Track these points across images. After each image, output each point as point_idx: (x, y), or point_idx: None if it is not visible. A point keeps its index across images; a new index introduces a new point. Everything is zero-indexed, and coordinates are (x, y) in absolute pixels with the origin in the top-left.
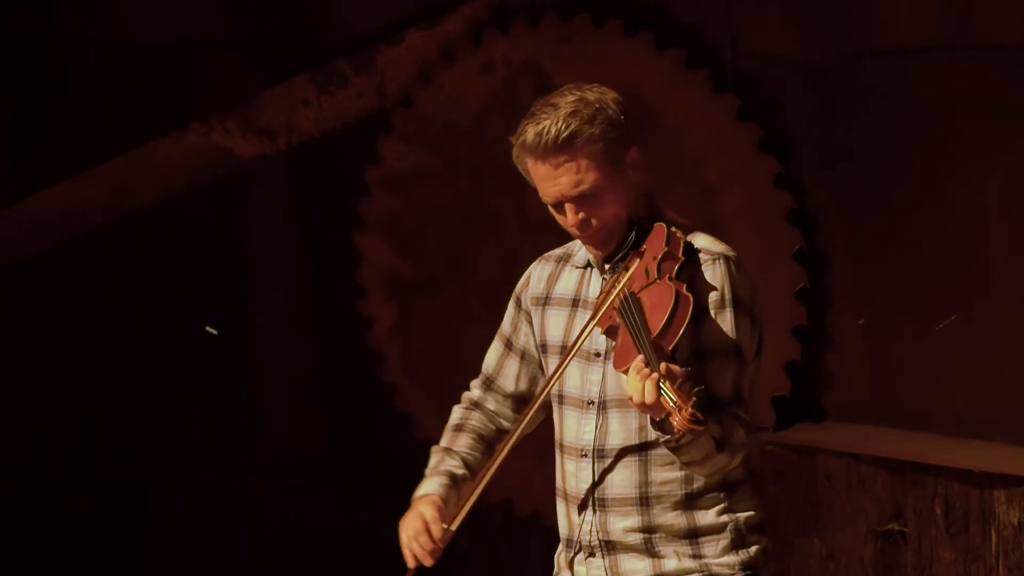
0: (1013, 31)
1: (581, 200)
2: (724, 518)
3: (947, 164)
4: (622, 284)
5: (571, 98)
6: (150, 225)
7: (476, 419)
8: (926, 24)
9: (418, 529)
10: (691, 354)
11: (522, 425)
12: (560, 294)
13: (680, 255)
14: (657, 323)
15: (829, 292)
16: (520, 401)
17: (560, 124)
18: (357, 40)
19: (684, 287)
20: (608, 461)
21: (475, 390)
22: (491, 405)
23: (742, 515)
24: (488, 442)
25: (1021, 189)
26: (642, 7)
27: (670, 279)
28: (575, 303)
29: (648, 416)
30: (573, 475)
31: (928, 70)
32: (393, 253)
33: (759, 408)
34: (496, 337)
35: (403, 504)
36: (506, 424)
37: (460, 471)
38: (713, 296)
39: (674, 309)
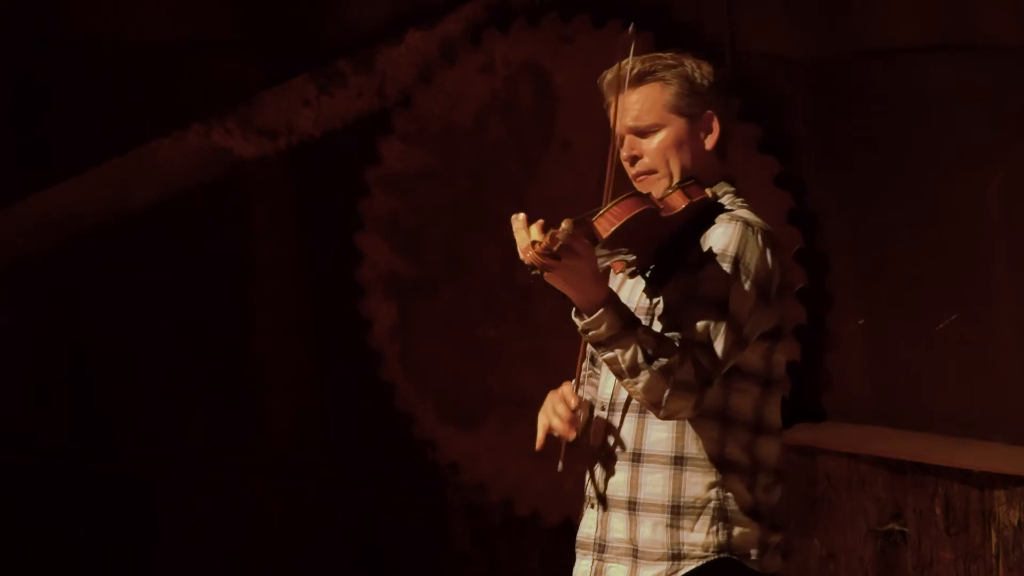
0: (1013, 31)
1: (637, 134)
2: (711, 493)
3: (947, 164)
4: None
5: (656, 54)
6: (150, 225)
7: None
8: (926, 24)
9: (554, 401)
10: (681, 298)
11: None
12: None
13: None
14: (604, 207)
15: (829, 292)
16: None
17: (635, 63)
18: (357, 40)
19: (652, 196)
20: (617, 416)
21: None
22: None
23: (732, 495)
24: None
25: (1021, 189)
26: (642, 7)
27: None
28: None
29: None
30: (594, 429)
31: (928, 70)
32: (393, 253)
33: None
34: None
35: (403, 504)
36: None
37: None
38: (717, 248)
39: (622, 199)
